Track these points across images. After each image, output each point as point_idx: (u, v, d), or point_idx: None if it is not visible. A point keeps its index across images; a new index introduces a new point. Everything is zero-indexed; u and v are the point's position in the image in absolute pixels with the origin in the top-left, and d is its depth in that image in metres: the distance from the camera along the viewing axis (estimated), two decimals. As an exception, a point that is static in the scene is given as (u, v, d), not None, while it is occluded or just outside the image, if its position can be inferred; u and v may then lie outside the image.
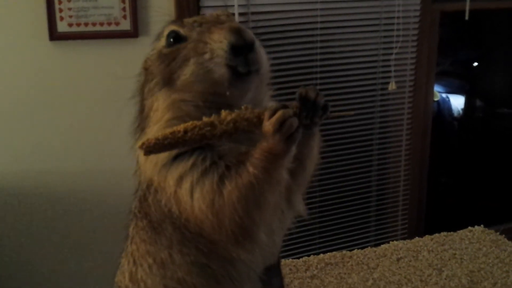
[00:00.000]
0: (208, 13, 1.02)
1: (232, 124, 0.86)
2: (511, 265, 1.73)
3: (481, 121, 4.30)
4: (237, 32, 0.89)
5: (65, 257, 2.37)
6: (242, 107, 0.87)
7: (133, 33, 2.23)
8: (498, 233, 1.95)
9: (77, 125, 2.29)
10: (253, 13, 2.44)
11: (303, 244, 2.75)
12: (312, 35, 2.59)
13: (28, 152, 2.26)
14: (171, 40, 0.97)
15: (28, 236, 2.32)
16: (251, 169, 0.88)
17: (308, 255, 1.82)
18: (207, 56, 0.91)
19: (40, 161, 2.27)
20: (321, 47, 2.61)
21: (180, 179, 0.91)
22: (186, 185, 0.91)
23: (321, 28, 2.59)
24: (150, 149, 0.87)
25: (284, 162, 0.89)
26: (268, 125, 0.84)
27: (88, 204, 2.35)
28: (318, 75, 2.63)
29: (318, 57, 2.61)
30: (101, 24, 2.20)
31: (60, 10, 2.15)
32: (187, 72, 0.93)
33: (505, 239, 1.90)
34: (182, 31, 0.97)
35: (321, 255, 1.81)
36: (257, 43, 0.92)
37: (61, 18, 2.16)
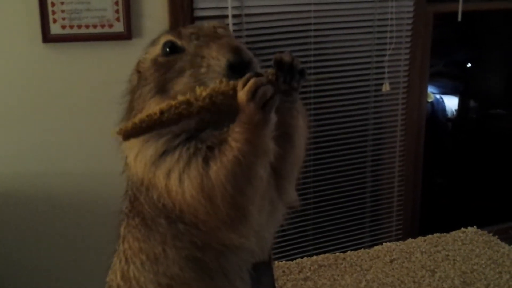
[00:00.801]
0: (204, 22, 1.02)
1: (208, 99, 0.85)
2: (504, 266, 1.73)
3: (475, 122, 4.32)
4: (235, 51, 0.90)
5: (61, 258, 2.37)
6: (217, 81, 0.87)
7: (127, 35, 2.23)
8: (491, 234, 1.95)
9: (71, 127, 2.28)
10: (246, 15, 2.44)
11: (298, 245, 2.76)
12: (306, 37, 2.59)
13: (21, 155, 2.25)
14: (167, 49, 0.98)
15: (23, 237, 2.32)
16: (233, 143, 0.88)
17: (303, 257, 1.82)
18: (203, 70, 0.92)
19: (33, 163, 2.27)
20: (315, 49, 2.61)
21: (168, 173, 0.91)
22: (174, 175, 0.91)
23: (315, 30, 2.59)
24: (128, 133, 0.86)
25: (266, 131, 0.88)
26: (242, 94, 0.84)
27: (84, 206, 2.35)
28: (312, 77, 2.63)
29: (312, 58, 2.61)
30: (94, 26, 2.20)
31: (53, 13, 2.14)
32: (181, 83, 0.94)
33: (498, 240, 1.91)
34: (179, 42, 0.97)
35: (314, 257, 1.81)
36: (255, 61, 0.93)
37: (54, 21, 2.15)
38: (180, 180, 0.90)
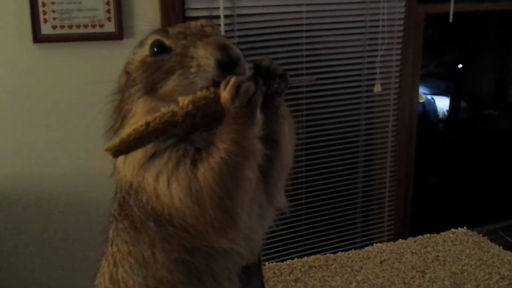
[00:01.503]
0: (192, 22, 1.01)
1: (191, 105, 0.85)
2: (494, 266, 1.74)
3: (466, 123, 4.34)
4: (223, 49, 0.90)
5: (57, 259, 2.37)
6: (198, 92, 0.87)
7: (118, 35, 2.23)
8: (480, 234, 1.96)
9: (62, 127, 2.27)
10: (238, 16, 2.44)
11: (289, 246, 2.76)
12: (298, 38, 2.59)
13: (11, 155, 2.24)
14: (155, 49, 0.97)
15: (15, 238, 2.31)
16: (220, 145, 0.88)
17: (294, 258, 1.83)
18: (193, 70, 0.91)
19: (23, 163, 2.26)
20: (307, 49, 2.62)
21: (157, 175, 0.91)
22: (162, 178, 0.90)
23: (307, 31, 2.59)
24: (117, 149, 0.86)
25: (253, 131, 0.88)
26: (225, 94, 0.84)
27: (76, 207, 2.34)
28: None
29: (304, 59, 2.62)
30: (85, 26, 2.19)
31: (44, 13, 2.13)
32: (170, 83, 0.94)
33: (488, 240, 1.92)
34: (166, 41, 0.97)
35: (305, 258, 1.81)
36: (243, 59, 0.92)
37: (45, 21, 2.14)
38: (168, 183, 0.90)
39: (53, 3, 2.13)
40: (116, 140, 0.85)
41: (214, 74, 0.89)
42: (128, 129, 0.86)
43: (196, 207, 0.89)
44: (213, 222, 0.90)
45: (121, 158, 0.95)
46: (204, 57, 0.90)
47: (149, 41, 0.99)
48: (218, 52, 0.89)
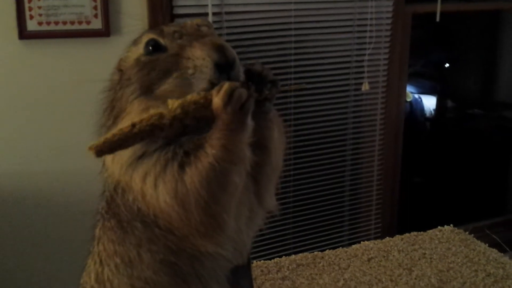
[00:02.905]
0: (188, 21, 1.00)
1: (180, 109, 0.84)
2: (480, 264, 1.76)
3: (453, 122, 4.37)
4: (220, 50, 0.89)
5: (52, 259, 2.35)
6: (189, 95, 0.86)
7: (105, 32, 2.21)
8: (467, 232, 1.98)
9: (48, 125, 2.25)
10: (227, 13, 2.43)
11: (277, 245, 2.76)
12: (286, 36, 2.59)
13: (-4, 153, 2.22)
14: (150, 48, 0.96)
15: (11, 238, 2.29)
16: (209, 149, 0.87)
17: (282, 256, 1.83)
18: (190, 71, 0.91)
19: (10, 161, 2.23)
20: (295, 48, 2.62)
21: (144, 176, 0.91)
22: (149, 179, 0.90)
23: (295, 29, 2.60)
24: (100, 148, 0.84)
25: (243, 137, 0.88)
26: (218, 100, 0.84)
27: (67, 205, 2.32)
28: (292, 76, 2.63)
29: (292, 57, 2.62)
30: (72, 23, 2.17)
31: (30, 9, 2.11)
32: (167, 84, 0.93)
33: (474, 238, 1.93)
34: (162, 40, 0.96)
35: (293, 256, 1.81)
36: (238, 60, 0.92)
37: (31, 17, 2.12)
38: (155, 185, 0.89)
39: (39, -1, 2.11)
40: (101, 139, 0.84)
41: (211, 75, 0.89)
42: (113, 130, 0.85)
43: (182, 210, 0.89)
44: (198, 226, 0.90)
45: (110, 156, 0.95)
46: (201, 58, 0.90)
47: (144, 39, 0.98)
48: (215, 53, 0.89)
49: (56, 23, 2.15)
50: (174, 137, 0.90)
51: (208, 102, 0.85)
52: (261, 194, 1.00)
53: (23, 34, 2.12)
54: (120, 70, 1.02)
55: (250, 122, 0.88)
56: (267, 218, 1.07)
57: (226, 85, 0.84)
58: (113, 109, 1.00)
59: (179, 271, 0.97)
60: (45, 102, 2.23)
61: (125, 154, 0.92)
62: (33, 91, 2.21)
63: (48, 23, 2.14)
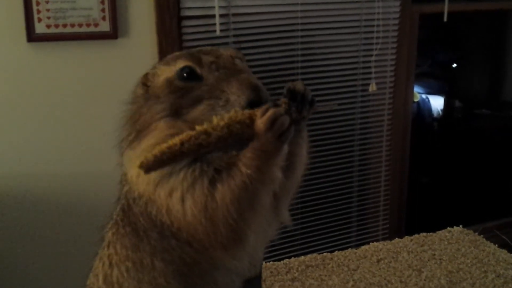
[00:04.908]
0: (222, 50, 1.04)
1: (226, 129, 0.87)
2: (489, 265, 1.75)
3: (460, 122, 4.35)
4: (255, 89, 0.93)
5: (49, 260, 2.35)
6: (232, 110, 0.89)
7: (113, 34, 2.21)
8: (476, 233, 1.97)
9: (56, 127, 2.26)
10: (233, 15, 2.43)
11: (286, 246, 2.76)
12: (293, 37, 2.59)
13: (4, 155, 2.22)
14: (185, 75, 0.99)
15: (11, 239, 2.29)
16: (243, 169, 0.89)
17: (290, 257, 1.82)
18: (221, 103, 0.94)
19: (17, 164, 2.24)
20: (302, 49, 2.62)
21: (171, 192, 0.93)
22: (176, 195, 0.92)
23: (302, 30, 2.59)
24: (150, 166, 0.87)
25: (277, 161, 0.91)
26: (260, 123, 0.86)
27: (69, 207, 2.33)
28: (299, 77, 2.63)
29: (299, 58, 2.62)
30: (80, 25, 2.17)
31: (38, 12, 2.12)
32: (196, 111, 0.96)
33: (484, 239, 1.93)
34: (198, 70, 0.99)
35: (302, 257, 1.81)
36: (270, 100, 0.95)
37: (39, 20, 2.13)
38: (182, 200, 0.92)
39: (47, 2, 2.12)
40: (150, 156, 0.86)
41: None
42: (161, 146, 0.87)
43: (209, 224, 0.91)
44: (222, 240, 0.92)
45: (134, 172, 0.97)
46: (236, 94, 0.93)
47: (179, 64, 1.00)
48: (251, 92, 0.93)
49: (64, 25, 2.16)
50: (205, 154, 0.93)
51: (252, 122, 0.87)
52: (279, 208, 1.03)
53: (32, 36, 2.13)
54: (145, 84, 1.04)
55: (286, 147, 0.91)
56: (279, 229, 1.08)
57: (271, 112, 0.86)
58: (135, 123, 1.01)
59: (191, 282, 0.99)
60: (53, 104, 2.24)
61: (151, 173, 0.93)
62: (41, 93, 2.22)
63: (56, 26, 2.15)
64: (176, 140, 0.86)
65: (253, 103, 0.92)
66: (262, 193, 0.92)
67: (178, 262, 0.97)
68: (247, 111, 0.88)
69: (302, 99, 0.91)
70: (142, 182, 0.96)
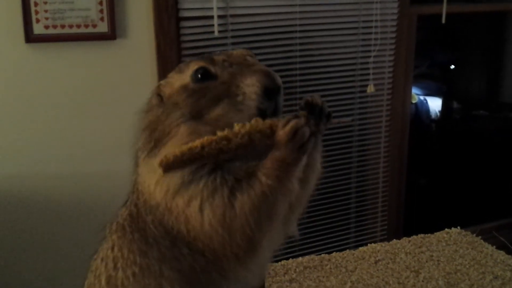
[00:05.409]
0: (233, 51, 1.06)
1: (247, 137, 0.87)
2: (487, 266, 1.75)
3: (458, 123, 4.36)
4: (268, 75, 0.95)
5: (49, 260, 2.35)
6: (253, 120, 0.89)
7: (111, 35, 2.21)
8: (474, 234, 1.97)
9: (54, 127, 2.26)
10: (232, 16, 2.43)
11: (284, 247, 2.75)
12: (291, 38, 2.59)
13: (3, 156, 2.22)
14: (199, 76, 1.00)
15: (12, 240, 2.29)
16: (263, 179, 0.90)
17: (288, 259, 1.82)
18: (239, 98, 0.95)
19: (15, 164, 2.24)
20: (300, 50, 2.62)
21: (190, 200, 0.93)
22: (195, 203, 0.92)
23: (300, 31, 2.60)
24: (169, 166, 0.88)
25: (296, 172, 0.92)
26: (282, 134, 0.87)
27: (69, 207, 2.32)
28: (298, 78, 2.63)
29: (297, 59, 2.62)
30: (78, 26, 2.17)
31: (36, 12, 2.12)
32: (217, 110, 0.97)
33: (481, 240, 1.92)
34: (212, 69, 0.99)
35: (300, 258, 1.81)
36: (282, 86, 0.97)
37: (37, 20, 2.13)
38: (201, 208, 0.92)
39: (45, 2, 2.12)
40: (170, 156, 0.88)
41: (259, 101, 0.94)
42: (182, 147, 0.88)
43: (226, 234, 0.92)
44: (237, 250, 0.93)
45: (152, 180, 0.97)
46: (250, 85, 0.95)
47: (192, 67, 1.01)
48: (264, 78, 0.94)
49: (63, 26, 2.16)
50: (223, 161, 0.93)
51: (273, 132, 0.88)
52: (291, 219, 1.04)
53: (30, 37, 2.13)
54: (159, 95, 1.05)
55: (305, 159, 0.92)
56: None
57: (292, 122, 0.87)
58: (153, 131, 1.01)
59: None
60: (51, 105, 2.23)
61: (172, 181, 0.94)
62: (40, 94, 2.21)
63: (55, 27, 2.15)
64: (197, 143, 0.88)
65: (269, 89, 0.93)
66: (280, 203, 0.92)
67: (187, 270, 0.97)
68: (268, 121, 0.89)
69: (320, 112, 0.92)
70: (160, 190, 0.96)
